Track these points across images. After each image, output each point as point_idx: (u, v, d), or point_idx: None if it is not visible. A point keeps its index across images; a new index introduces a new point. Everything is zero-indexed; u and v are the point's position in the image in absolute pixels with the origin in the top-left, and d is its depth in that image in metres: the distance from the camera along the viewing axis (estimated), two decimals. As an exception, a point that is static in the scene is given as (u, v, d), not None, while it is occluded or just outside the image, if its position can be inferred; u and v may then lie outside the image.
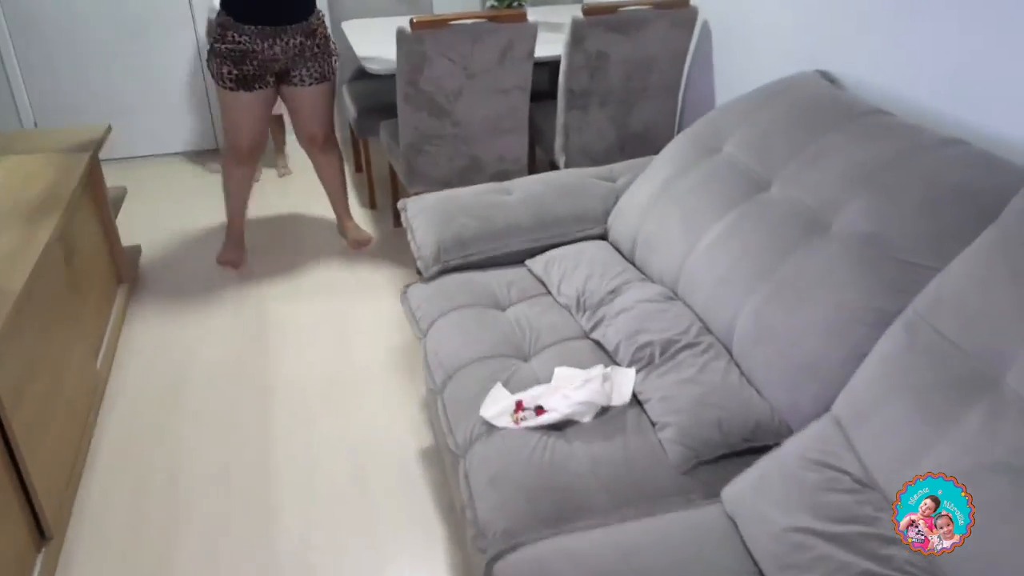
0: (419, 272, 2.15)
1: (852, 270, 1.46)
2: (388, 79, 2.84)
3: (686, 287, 1.78)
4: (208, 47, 2.72)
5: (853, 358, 1.39)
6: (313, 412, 2.33)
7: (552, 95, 2.96)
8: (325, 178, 3.14)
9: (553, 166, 3.17)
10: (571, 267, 1.99)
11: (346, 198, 3.22)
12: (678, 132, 3.03)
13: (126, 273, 2.91)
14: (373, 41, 3.18)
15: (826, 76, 2.11)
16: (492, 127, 2.87)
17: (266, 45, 2.63)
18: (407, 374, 2.48)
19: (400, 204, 2.30)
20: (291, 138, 3.97)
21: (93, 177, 2.68)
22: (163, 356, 2.58)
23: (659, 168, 2.09)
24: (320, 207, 3.58)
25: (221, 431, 2.26)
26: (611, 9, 2.69)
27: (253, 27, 2.60)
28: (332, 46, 2.82)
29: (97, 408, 2.29)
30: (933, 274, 1.36)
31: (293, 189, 3.82)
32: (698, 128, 2.09)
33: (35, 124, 3.95)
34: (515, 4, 3.19)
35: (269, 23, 2.60)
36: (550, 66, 3.04)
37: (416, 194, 2.92)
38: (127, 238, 3.07)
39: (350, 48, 3.23)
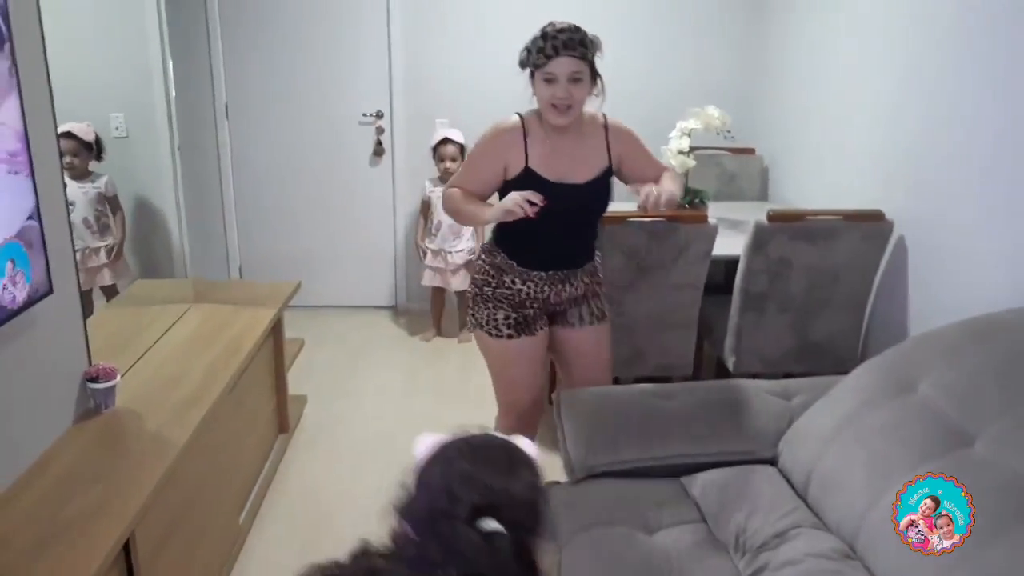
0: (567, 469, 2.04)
1: (1087, 570, 1.19)
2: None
3: (867, 546, 1.53)
4: (473, 293, 2.28)
5: None
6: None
7: (727, 290, 2.85)
8: None
9: (721, 365, 3.01)
10: (733, 496, 1.80)
11: None
12: (862, 349, 2.81)
13: (288, 424, 3.00)
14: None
15: (1046, 315, 1.86)
16: (660, 321, 2.78)
17: (554, 291, 2.20)
18: None
19: (555, 396, 2.23)
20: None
21: (275, 330, 2.85)
22: (304, 516, 2.58)
23: (843, 396, 1.89)
24: (479, 376, 3.59)
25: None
26: (798, 216, 2.60)
27: (543, 273, 2.18)
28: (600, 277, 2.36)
29: (230, 568, 2.29)
30: None
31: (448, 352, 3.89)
32: (890, 358, 1.90)
33: (240, 272, 4.35)
34: (697, 201, 3.18)
35: (561, 268, 2.20)
36: (727, 261, 2.96)
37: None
38: (295, 387, 3.21)
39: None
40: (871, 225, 2.62)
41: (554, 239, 2.16)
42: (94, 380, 1.98)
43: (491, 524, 0.92)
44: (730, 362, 2.85)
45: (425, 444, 1.08)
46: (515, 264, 2.18)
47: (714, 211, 3.29)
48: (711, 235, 2.62)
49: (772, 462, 1.97)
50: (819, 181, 3.36)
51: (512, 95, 4.16)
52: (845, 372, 2.30)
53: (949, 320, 1.94)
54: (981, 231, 2.24)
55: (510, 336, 2.22)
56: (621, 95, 4.12)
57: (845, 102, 3.11)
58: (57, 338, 1.88)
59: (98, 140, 3.69)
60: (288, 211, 4.31)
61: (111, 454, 1.82)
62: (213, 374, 2.22)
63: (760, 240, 2.60)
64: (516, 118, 2.15)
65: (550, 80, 1.99)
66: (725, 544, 1.71)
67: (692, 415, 2.04)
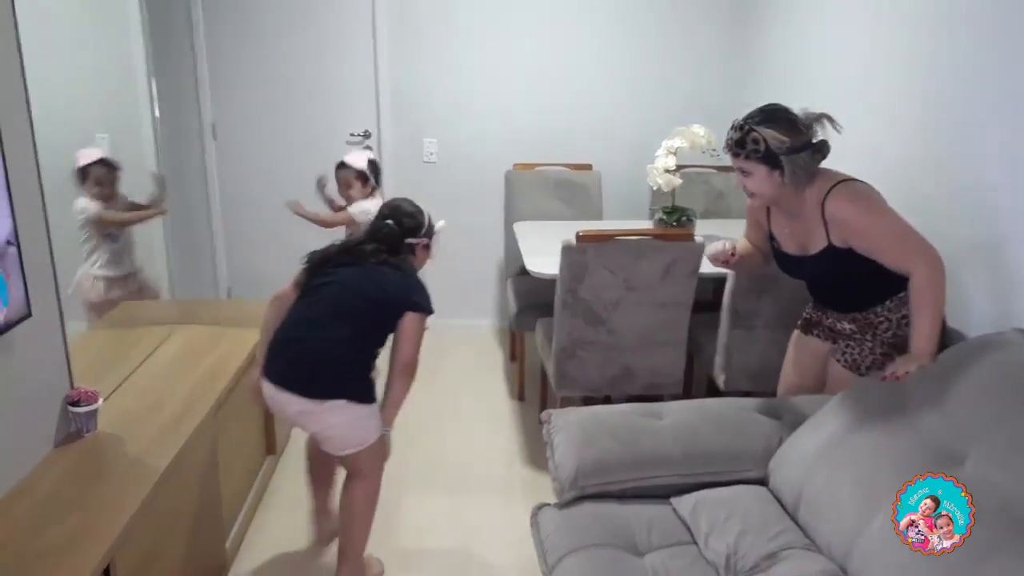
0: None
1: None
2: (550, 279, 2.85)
3: (859, 568, 1.51)
4: None
5: None
6: (426, 629, 2.17)
7: (716, 307, 2.85)
8: None
9: (712, 382, 3.00)
10: (723, 516, 1.78)
11: None
12: (853, 365, 2.79)
13: (277, 445, 2.96)
14: (539, 244, 3.25)
15: (1032, 334, 1.86)
16: (648, 339, 2.77)
17: (823, 316, 2.30)
18: (531, 600, 2.29)
19: (544, 415, 2.20)
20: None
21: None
22: (291, 540, 2.54)
23: (833, 415, 1.88)
24: (468, 403, 3.56)
25: (330, 636, 2.14)
26: (785, 234, 2.60)
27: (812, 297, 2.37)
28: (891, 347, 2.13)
29: (215, 594, 2.25)
30: None
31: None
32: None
33: (228, 293, 4.32)
34: (684, 219, 3.18)
35: (822, 305, 2.30)
36: (716, 279, 2.95)
37: (564, 397, 2.85)
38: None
39: (518, 248, 3.33)
40: (858, 242, 2.62)
41: (813, 289, 2.31)
42: (76, 404, 1.95)
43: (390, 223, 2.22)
44: (719, 381, 2.84)
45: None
46: None
47: (701, 229, 3.29)
48: (698, 252, 2.62)
49: (762, 482, 1.95)
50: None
51: (498, 115, 4.21)
52: (834, 390, 2.28)
53: (937, 337, 1.93)
54: (970, 254, 2.23)
55: (797, 326, 2.41)
56: (607, 114, 4.19)
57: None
58: (37, 361, 1.85)
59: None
60: (276, 230, 4.28)
61: (91, 480, 1.79)
62: (196, 398, 2.19)
63: (748, 257, 2.60)
64: None
65: None
66: (715, 565, 1.69)
67: (681, 435, 2.02)
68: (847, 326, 2.21)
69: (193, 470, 2.08)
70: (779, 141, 1.99)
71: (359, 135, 4.19)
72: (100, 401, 1.98)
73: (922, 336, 1.92)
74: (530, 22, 4.08)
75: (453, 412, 3.48)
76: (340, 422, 2.09)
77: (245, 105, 4.12)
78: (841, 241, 2.03)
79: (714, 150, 3.17)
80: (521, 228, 3.60)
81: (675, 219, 3.18)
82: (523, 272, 3.72)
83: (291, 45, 4.05)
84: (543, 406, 3.39)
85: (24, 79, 1.81)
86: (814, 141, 2.03)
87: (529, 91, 4.16)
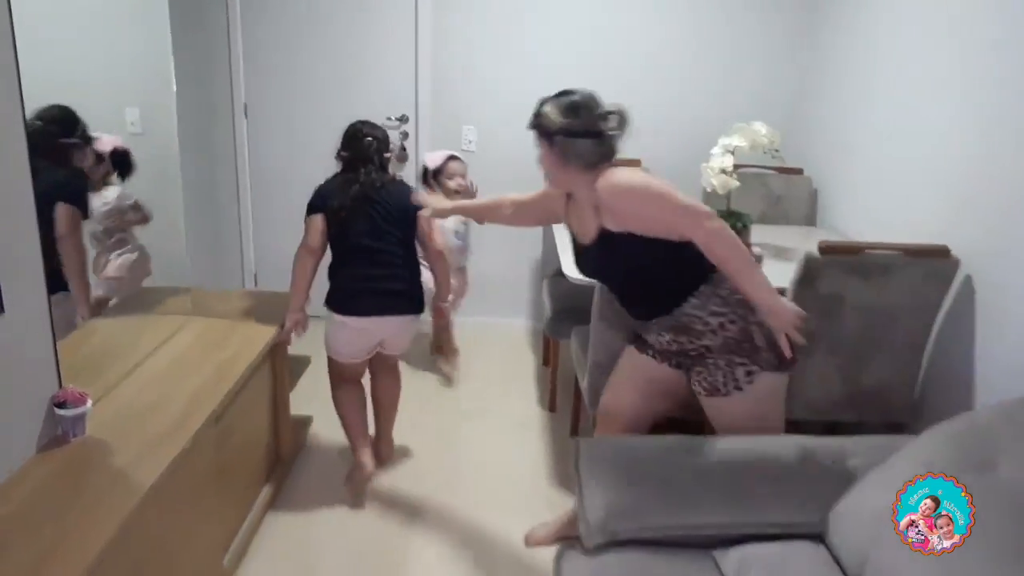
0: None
1: None
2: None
3: (938, 665, 1.28)
4: None
5: None
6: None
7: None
8: None
9: (760, 406, 2.75)
10: (772, 578, 1.55)
11: None
12: (919, 399, 2.53)
13: (288, 449, 2.80)
14: (580, 244, 3.03)
15: None
16: (694, 357, 2.53)
17: (644, 330, 2.16)
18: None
19: (574, 443, 1.99)
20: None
21: (276, 349, 2.64)
22: (297, 553, 2.37)
23: (907, 467, 1.61)
24: (496, 393, 3.37)
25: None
26: (854, 250, 2.33)
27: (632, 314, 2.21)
28: (740, 356, 1.99)
29: (207, 617, 2.09)
30: None
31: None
32: (963, 426, 1.63)
33: (255, 280, 4.17)
34: (739, 225, 2.91)
35: (634, 316, 2.18)
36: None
37: (596, 419, 2.62)
38: (300, 406, 3.00)
39: (556, 249, 3.11)
40: (934, 262, 2.34)
41: (613, 291, 2.23)
42: (62, 406, 1.79)
43: (369, 140, 2.57)
44: (771, 405, 2.59)
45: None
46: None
47: (757, 235, 3.04)
48: (754, 265, 2.36)
49: (820, 537, 1.71)
50: (874, 207, 3.08)
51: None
52: (897, 423, 2.04)
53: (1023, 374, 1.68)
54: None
55: (626, 339, 2.28)
56: (660, 107, 3.92)
57: (907, 120, 2.84)
58: (16, 361, 1.69)
59: (123, 157, 3.48)
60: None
61: (71, 490, 1.62)
62: (198, 402, 2.01)
63: (810, 274, 2.34)
64: None
65: None
66: (763, 642, 1.46)
67: (727, 476, 1.80)
68: (666, 337, 2.08)
69: (188, 481, 1.90)
70: (551, 120, 2.01)
71: (396, 119, 3.99)
72: (89, 404, 1.81)
73: (752, 291, 1.89)
74: (579, 6, 3.83)
75: (478, 419, 3.29)
76: (417, 324, 2.67)
77: (279, 84, 3.95)
78: (616, 225, 1.96)
79: (776, 150, 2.90)
80: (561, 226, 3.37)
81: (729, 225, 2.91)
82: (560, 273, 3.49)
83: (330, 24, 3.86)
84: (575, 419, 3.17)
85: (15, 55, 1.64)
86: (608, 133, 2.00)
87: (575, 79, 3.86)
